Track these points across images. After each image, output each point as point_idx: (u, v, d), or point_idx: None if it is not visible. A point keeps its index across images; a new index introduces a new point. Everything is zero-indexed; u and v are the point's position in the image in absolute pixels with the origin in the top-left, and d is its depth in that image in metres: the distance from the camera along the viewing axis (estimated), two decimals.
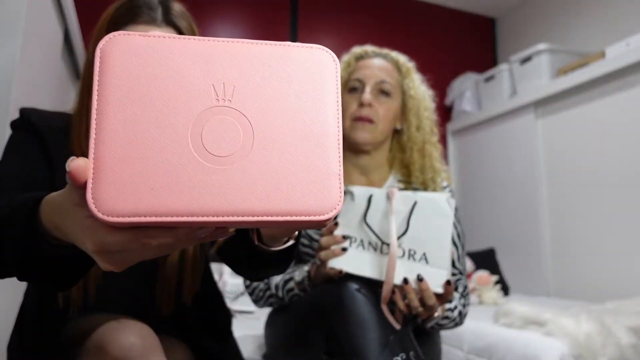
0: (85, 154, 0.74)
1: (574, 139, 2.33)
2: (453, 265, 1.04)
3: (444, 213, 0.90)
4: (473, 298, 2.16)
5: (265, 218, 0.35)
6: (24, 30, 0.98)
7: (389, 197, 0.93)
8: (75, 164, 0.33)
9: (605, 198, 2.15)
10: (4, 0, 0.95)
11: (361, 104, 1.07)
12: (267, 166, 0.36)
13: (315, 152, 0.37)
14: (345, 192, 0.99)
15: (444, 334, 1.67)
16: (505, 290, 2.37)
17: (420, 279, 0.86)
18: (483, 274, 2.23)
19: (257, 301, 1.09)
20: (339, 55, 1.16)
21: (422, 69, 1.19)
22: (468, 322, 1.69)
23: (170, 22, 0.79)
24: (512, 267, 2.57)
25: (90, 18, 2.02)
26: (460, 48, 3.29)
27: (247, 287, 1.09)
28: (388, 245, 0.90)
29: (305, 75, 0.38)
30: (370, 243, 0.93)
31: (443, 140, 3.16)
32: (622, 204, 2.07)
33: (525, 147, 2.59)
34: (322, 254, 0.93)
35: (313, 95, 0.38)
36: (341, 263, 0.92)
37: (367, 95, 1.07)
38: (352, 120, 1.09)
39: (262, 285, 1.06)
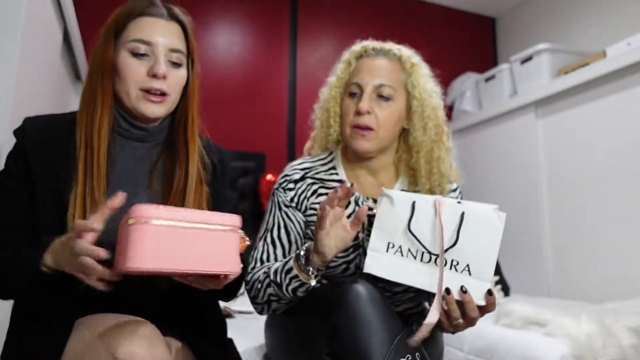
0: (90, 149, 0.78)
1: (574, 139, 2.33)
2: None
3: (494, 227, 0.85)
4: None
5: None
6: (23, 30, 0.98)
7: (435, 207, 0.89)
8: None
9: (605, 198, 2.15)
10: (3, 0, 0.95)
11: (358, 112, 1.02)
12: None
13: None
14: (383, 195, 0.94)
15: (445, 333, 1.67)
16: (505, 290, 2.37)
17: (464, 291, 0.83)
18: None
19: (255, 298, 0.99)
20: (339, 54, 1.16)
21: None
22: None
23: (174, 17, 0.86)
24: (512, 267, 2.57)
25: (90, 18, 2.02)
26: (460, 48, 3.29)
27: (246, 282, 1.01)
28: (431, 254, 0.88)
29: None
30: (410, 250, 0.90)
31: None
32: (623, 204, 2.07)
33: (526, 147, 2.58)
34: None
35: None
36: (376, 268, 0.90)
37: (365, 102, 1.02)
38: (351, 128, 1.04)
39: (261, 275, 0.98)
